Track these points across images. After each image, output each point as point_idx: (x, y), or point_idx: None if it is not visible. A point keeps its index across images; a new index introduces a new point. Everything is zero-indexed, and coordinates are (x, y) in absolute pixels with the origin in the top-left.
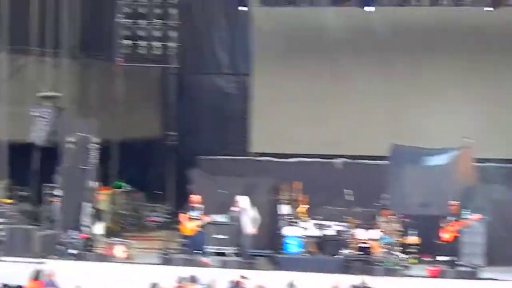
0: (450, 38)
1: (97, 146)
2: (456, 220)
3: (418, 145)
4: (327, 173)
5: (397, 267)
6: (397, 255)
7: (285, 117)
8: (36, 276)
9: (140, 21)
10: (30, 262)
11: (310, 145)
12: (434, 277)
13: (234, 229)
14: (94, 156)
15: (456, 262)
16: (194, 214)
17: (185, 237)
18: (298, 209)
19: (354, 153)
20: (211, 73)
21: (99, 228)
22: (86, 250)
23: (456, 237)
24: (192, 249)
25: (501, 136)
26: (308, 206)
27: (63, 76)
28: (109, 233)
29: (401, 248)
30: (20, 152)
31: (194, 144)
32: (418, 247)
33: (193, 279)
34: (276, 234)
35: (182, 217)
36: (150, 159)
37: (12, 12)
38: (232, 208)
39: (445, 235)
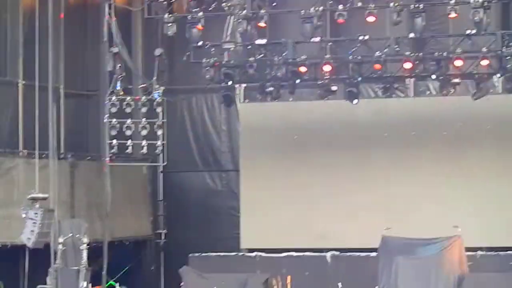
0: (435, 128)
1: (87, 246)
2: None
3: (408, 236)
4: (318, 267)
5: None
6: None
7: (274, 212)
8: None
9: (126, 120)
10: None
11: (300, 239)
12: None
13: None
14: (84, 256)
15: None
16: None
17: None
18: None
19: (345, 245)
20: (199, 170)
21: None
22: None
23: None
24: None
25: (492, 224)
26: None
27: (51, 177)
28: None
29: None
30: (10, 254)
31: (185, 242)
32: None
33: None
34: None
35: None
36: (141, 258)
37: None
38: None
39: None
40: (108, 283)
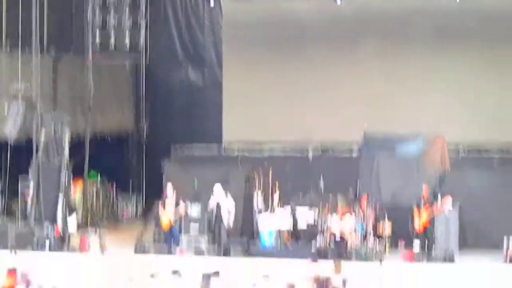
0: (419, 24)
1: (69, 139)
2: (428, 206)
3: (390, 132)
4: (299, 162)
5: (371, 254)
6: (371, 242)
7: (256, 106)
8: (10, 270)
9: (109, 15)
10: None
11: (283, 134)
12: (409, 260)
13: (209, 218)
14: (66, 149)
15: (429, 248)
16: (169, 203)
17: (161, 226)
18: (272, 197)
19: (327, 140)
20: (182, 65)
21: (73, 220)
22: (61, 243)
23: (429, 223)
24: (168, 238)
25: (474, 122)
26: (281, 195)
27: (34, 72)
28: (83, 225)
29: (375, 235)
30: None
31: (167, 136)
32: (392, 234)
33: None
34: (250, 224)
35: (157, 206)
36: (123, 151)
37: None
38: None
39: (418, 222)
40: (90, 176)
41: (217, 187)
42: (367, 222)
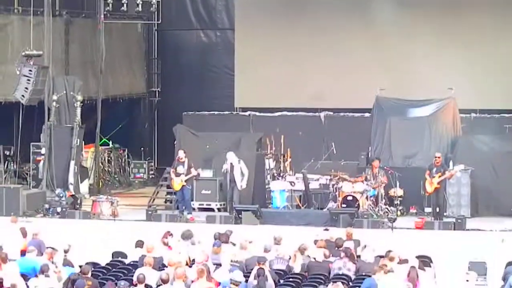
0: None
1: (81, 103)
2: (440, 172)
3: (402, 96)
4: (312, 127)
5: (383, 219)
6: (383, 207)
7: (269, 71)
8: (22, 235)
9: None
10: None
11: (294, 99)
12: (420, 228)
13: (221, 184)
14: (78, 113)
15: (441, 213)
16: (180, 169)
17: (173, 192)
18: (283, 163)
19: (339, 106)
20: (194, 28)
21: (84, 186)
22: (72, 208)
23: (440, 188)
24: (180, 199)
25: (486, 87)
26: (292, 159)
27: (46, 34)
28: (95, 190)
29: (387, 200)
30: (4, 111)
31: (179, 100)
32: (403, 199)
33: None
34: (262, 188)
35: (170, 172)
36: (135, 116)
37: None
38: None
39: (430, 187)
40: (102, 141)
41: (230, 155)
42: (379, 187)
